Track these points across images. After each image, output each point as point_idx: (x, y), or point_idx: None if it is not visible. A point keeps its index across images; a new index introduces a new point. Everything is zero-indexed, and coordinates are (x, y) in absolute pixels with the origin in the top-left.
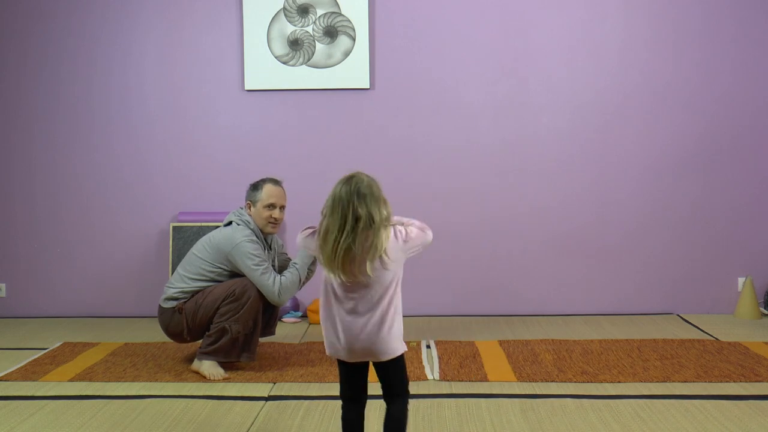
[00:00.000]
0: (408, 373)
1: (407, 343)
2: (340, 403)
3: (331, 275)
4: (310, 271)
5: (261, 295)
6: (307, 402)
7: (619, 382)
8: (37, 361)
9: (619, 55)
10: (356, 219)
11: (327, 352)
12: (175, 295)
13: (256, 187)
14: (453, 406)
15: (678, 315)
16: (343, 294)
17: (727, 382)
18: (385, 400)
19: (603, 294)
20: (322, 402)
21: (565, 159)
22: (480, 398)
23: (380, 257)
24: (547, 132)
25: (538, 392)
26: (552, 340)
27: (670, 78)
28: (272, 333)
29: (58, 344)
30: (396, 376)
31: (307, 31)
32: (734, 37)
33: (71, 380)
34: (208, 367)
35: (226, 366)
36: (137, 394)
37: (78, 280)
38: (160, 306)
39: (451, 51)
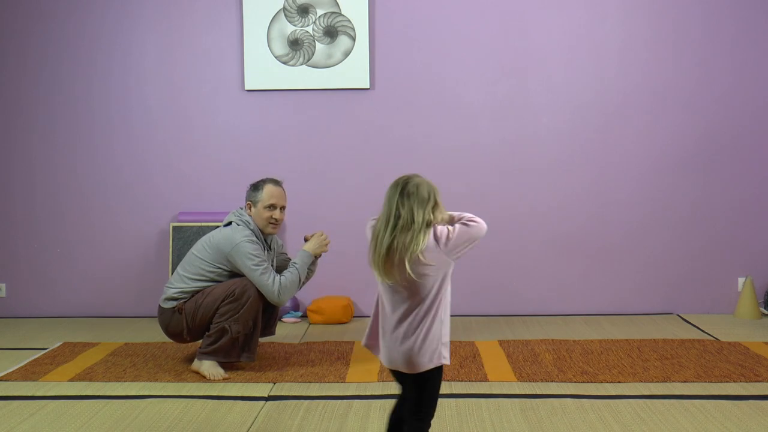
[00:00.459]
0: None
1: None
2: (340, 402)
3: (375, 275)
4: (310, 271)
5: (261, 295)
6: (307, 402)
7: (619, 382)
8: (37, 361)
9: (619, 55)
10: (397, 218)
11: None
12: (175, 295)
13: (256, 187)
14: (453, 406)
15: (678, 315)
16: (387, 298)
17: (727, 382)
18: (404, 416)
19: (603, 294)
20: (322, 402)
21: (565, 159)
22: (480, 398)
23: (418, 259)
24: (547, 132)
25: (538, 392)
26: (552, 340)
27: (670, 78)
28: (272, 333)
29: (58, 344)
30: (426, 392)
31: (307, 31)
32: (734, 37)
33: (71, 380)
34: (208, 367)
35: (226, 366)
36: (137, 394)
37: (78, 280)
38: (159, 306)
39: (451, 51)
